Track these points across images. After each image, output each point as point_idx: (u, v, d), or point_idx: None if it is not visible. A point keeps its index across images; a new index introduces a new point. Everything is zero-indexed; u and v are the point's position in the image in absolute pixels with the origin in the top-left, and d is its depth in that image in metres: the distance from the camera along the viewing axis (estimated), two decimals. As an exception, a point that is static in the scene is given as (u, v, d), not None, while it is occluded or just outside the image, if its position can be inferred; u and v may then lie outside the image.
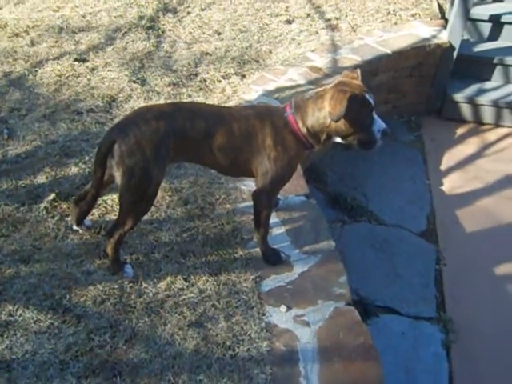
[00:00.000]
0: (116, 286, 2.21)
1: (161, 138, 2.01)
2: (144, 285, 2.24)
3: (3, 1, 4.36)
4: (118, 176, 2.04)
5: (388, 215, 3.72)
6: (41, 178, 2.71)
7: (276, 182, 2.21)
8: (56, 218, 2.50)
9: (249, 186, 2.75)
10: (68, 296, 2.16)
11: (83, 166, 2.79)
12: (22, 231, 2.43)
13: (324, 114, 2.04)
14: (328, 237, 2.55)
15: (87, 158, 2.85)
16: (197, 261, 2.36)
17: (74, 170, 2.77)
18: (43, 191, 2.63)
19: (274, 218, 2.56)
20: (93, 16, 4.22)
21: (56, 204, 2.57)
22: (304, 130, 2.11)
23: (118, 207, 2.16)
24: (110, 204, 2.60)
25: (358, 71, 2.15)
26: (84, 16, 4.21)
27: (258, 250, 2.40)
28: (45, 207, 2.54)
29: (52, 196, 2.58)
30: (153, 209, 2.55)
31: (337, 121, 1.99)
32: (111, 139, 2.00)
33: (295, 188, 2.78)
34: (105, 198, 2.63)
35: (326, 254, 2.45)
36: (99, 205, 2.59)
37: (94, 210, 2.56)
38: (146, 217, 2.41)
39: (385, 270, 3.29)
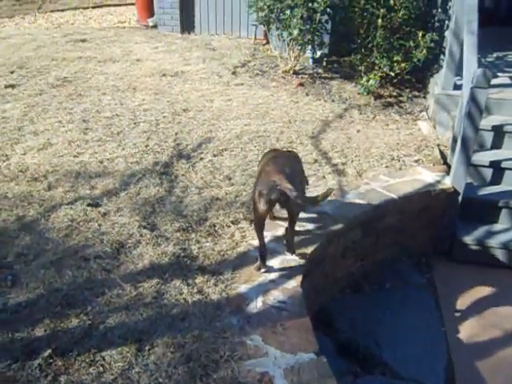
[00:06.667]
0: None
1: None
2: None
3: (28, 147, 4.62)
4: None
5: (403, 367, 3.50)
6: (39, 331, 2.61)
7: None
8: (49, 377, 2.35)
9: (255, 340, 2.62)
10: None
11: (84, 318, 2.70)
12: (11, 392, 2.29)
13: None
14: (339, 402, 2.36)
15: (89, 308, 2.77)
16: (196, 430, 2.17)
17: (74, 322, 2.67)
18: (39, 345, 2.51)
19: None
20: (110, 162, 4.42)
21: (51, 361, 2.44)
22: None
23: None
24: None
25: None
26: (102, 162, 4.41)
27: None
28: (39, 364, 2.41)
29: (48, 352, 2.46)
30: (152, 367, 2.43)
31: None
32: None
33: (304, 343, 2.64)
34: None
35: (337, 422, 2.25)
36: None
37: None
38: (145, 377, 2.29)
39: (404, 434, 3.01)
